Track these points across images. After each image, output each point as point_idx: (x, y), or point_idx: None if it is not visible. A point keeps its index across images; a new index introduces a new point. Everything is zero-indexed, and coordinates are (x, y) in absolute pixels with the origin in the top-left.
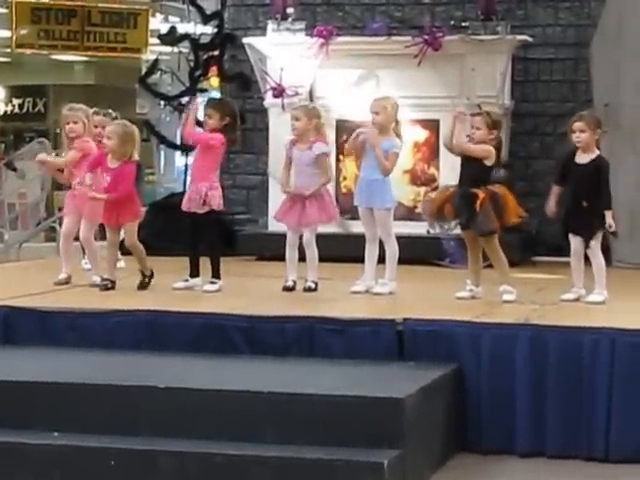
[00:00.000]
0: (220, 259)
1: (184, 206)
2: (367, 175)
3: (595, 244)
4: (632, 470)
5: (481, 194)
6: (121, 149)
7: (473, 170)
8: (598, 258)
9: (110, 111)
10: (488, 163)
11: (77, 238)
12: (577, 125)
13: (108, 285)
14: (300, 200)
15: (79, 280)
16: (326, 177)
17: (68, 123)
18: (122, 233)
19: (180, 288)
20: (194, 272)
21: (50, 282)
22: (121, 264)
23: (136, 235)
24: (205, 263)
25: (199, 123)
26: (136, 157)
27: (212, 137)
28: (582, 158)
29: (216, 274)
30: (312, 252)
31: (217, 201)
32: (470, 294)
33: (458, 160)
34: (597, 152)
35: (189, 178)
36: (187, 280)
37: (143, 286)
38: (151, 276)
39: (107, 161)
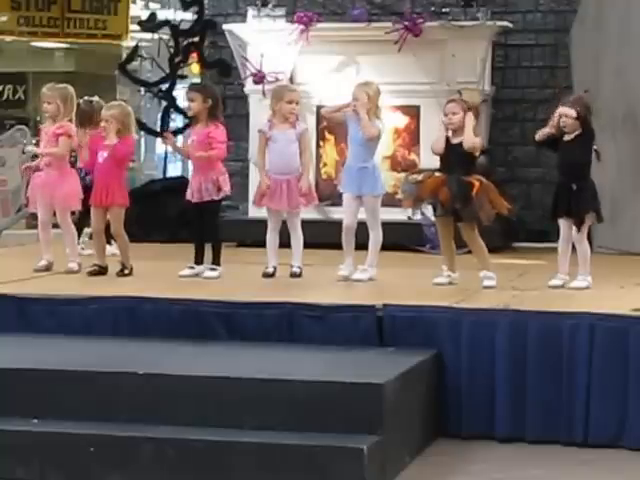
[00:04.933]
0: (222, 246)
1: (191, 197)
2: (355, 163)
3: (583, 229)
4: (611, 454)
5: (476, 183)
6: (122, 131)
7: (460, 157)
8: (584, 244)
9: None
10: (476, 153)
11: (56, 225)
12: (562, 110)
13: (96, 270)
14: (283, 182)
15: (60, 267)
16: (308, 155)
17: (44, 102)
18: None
19: (187, 275)
20: (199, 259)
21: (30, 269)
22: (87, 251)
23: (122, 224)
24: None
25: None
26: (135, 136)
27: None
28: (569, 136)
29: (217, 261)
30: (298, 236)
31: (228, 186)
32: (447, 280)
33: None
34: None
35: (191, 169)
36: (193, 267)
37: (121, 275)
38: (130, 271)
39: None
